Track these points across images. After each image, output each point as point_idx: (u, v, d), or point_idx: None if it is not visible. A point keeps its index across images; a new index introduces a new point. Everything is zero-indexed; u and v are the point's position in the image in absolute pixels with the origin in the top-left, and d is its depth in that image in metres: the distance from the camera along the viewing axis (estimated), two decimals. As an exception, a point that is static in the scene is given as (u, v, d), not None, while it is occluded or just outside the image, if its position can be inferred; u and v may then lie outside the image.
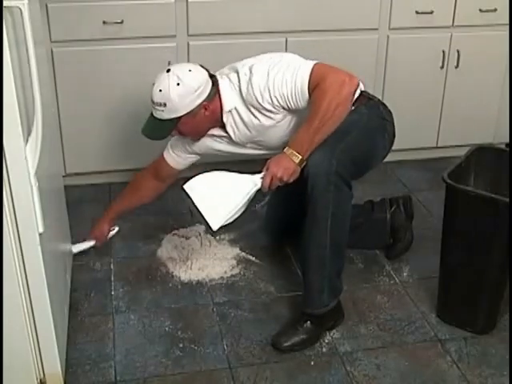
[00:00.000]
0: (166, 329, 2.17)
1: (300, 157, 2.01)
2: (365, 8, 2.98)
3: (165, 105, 2.09)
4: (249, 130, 2.21)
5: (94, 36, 2.78)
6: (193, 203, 2.07)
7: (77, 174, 3.04)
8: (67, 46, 2.78)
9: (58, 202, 2.28)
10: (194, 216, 2.58)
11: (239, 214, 2.10)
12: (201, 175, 2.13)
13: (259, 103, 2.11)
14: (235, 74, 2.17)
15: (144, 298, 2.32)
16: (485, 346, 2.11)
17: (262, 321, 2.22)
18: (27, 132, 1.65)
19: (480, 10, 3.08)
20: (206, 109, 2.14)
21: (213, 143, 2.32)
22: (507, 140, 3.32)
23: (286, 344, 2.10)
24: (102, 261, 2.53)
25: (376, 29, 3.03)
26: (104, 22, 2.75)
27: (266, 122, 2.17)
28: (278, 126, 2.19)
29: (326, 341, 2.13)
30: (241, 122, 2.20)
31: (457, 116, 3.28)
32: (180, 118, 2.12)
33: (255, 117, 2.16)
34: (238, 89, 2.15)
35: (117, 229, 2.60)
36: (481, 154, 2.27)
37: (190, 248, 2.58)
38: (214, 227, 2.05)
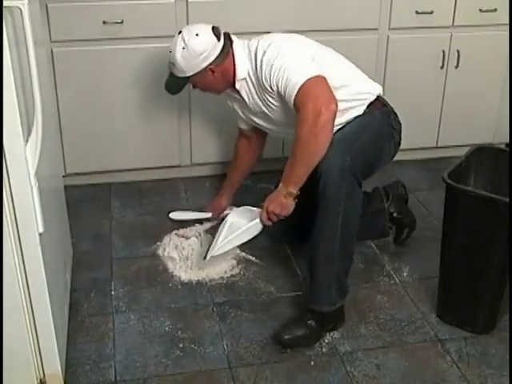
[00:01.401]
0: (166, 329, 2.17)
1: (292, 192, 2.12)
2: (365, 8, 2.98)
3: (173, 64, 2.26)
4: (259, 99, 2.29)
5: (94, 36, 2.78)
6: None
7: (77, 174, 3.03)
8: (67, 46, 2.78)
9: (58, 202, 2.28)
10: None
11: (238, 243, 2.35)
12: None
13: (262, 80, 2.20)
14: (255, 46, 2.24)
15: (144, 298, 2.32)
16: (485, 346, 2.11)
17: (261, 321, 2.22)
18: (27, 132, 1.65)
19: (480, 10, 3.08)
20: (213, 72, 2.26)
21: (231, 100, 2.45)
22: (507, 140, 3.31)
23: (286, 337, 2.10)
24: (102, 261, 2.53)
25: (376, 29, 3.03)
26: (104, 22, 2.75)
27: (269, 99, 2.24)
28: (277, 108, 2.25)
29: (326, 341, 2.13)
30: (254, 90, 2.28)
31: (457, 116, 3.28)
32: (188, 77, 2.27)
33: (263, 90, 2.23)
34: (254, 60, 2.23)
35: (233, 209, 2.57)
36: (481, 153, 2.27)
37: (190, 248, 2.57)
38: (207, 258, 2.36)
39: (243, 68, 2.26)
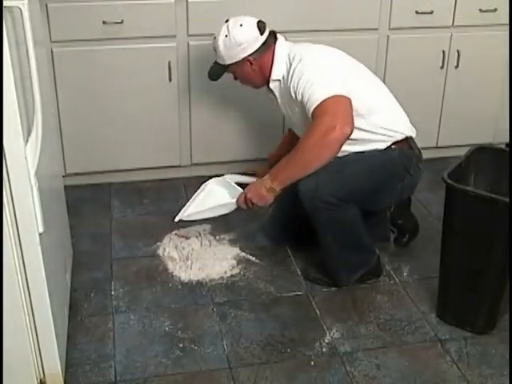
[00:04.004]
0: (166, 329, 2.17)
1: (274, 188, 2.20)
2: (365, 8, 2.98)
3: (215, 51, 2.34)
4: (287, 102, 2.33)
5: (94, 36, 2.78)
6: None
7: (77, 174, 3.04)
8: (67, 46, 2.78)
9: (58, 202, 2.28)
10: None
11: (208, 217, 2.46)
12: (215, 180, 2.49)
13: (290, 86, 2.23)
14: (295, 51, 2.27)
15: (144, 298, 2.32)
16: (485, 346, 2.11)
17: (262, 321, 2.22)
18: (27, 132, 1.65)
19: (480, 10, 3.08)
20: (250, 64, 2.31)
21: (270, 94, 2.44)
22: (507, 140, 3.32)
23: (313, 275, 2.38)
24: (102, 261, 2.53)
25: (376, 29, 3.04)
26: (104, 22, 2.75)
27: (293, 105, 2.28)
28: (299, 116, 2.29)
29: (326, 341, 2.13)
30: (284, 92, 2.31)
31: (457, 116, 3.28)
32: (228, 65, 2.33)
33: (289, 95, 2.26)
34: (289, 65, 2.26)
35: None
36: (481, 153, 2.27)
37: (190, 248, 2.58)
38: (176, 219, 2.47)
39: (279, 69, 2.29)
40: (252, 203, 2.26)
